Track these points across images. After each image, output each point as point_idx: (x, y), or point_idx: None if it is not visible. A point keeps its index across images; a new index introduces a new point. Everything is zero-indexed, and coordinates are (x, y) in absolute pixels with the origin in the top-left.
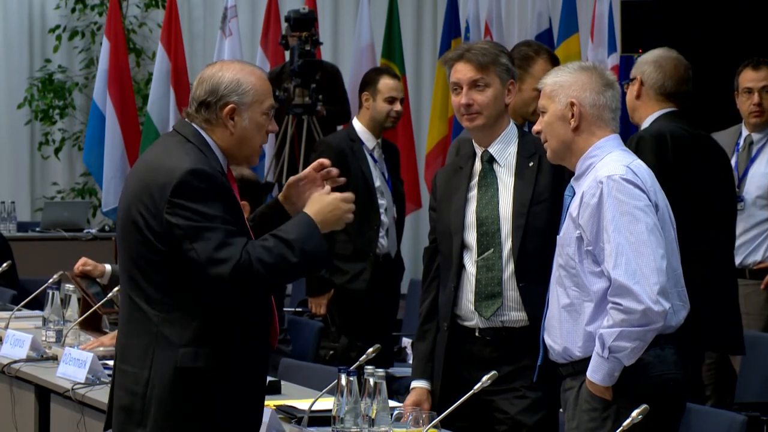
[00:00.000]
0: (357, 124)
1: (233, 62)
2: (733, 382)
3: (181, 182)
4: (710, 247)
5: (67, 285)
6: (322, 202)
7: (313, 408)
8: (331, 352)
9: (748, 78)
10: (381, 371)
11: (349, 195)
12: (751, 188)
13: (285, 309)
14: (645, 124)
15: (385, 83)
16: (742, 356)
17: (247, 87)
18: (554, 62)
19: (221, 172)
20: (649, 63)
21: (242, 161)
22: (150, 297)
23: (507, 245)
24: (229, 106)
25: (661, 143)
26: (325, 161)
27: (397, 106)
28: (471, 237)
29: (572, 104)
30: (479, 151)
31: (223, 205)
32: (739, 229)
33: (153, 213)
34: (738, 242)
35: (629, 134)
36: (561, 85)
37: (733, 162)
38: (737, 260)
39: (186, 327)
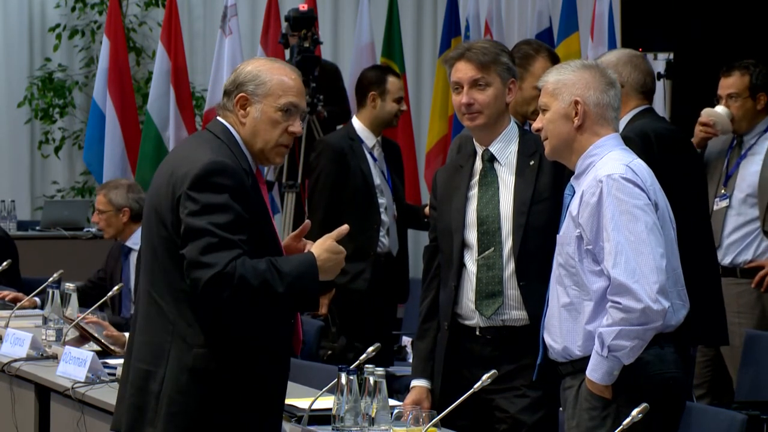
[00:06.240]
0: (356, 122)
1: (266, 59)
2: (727, 379)
3: (199, 174)
4: (693, 242)
5: (67, 284)
6: (332, 249)
7: (313, 407)
8: (329, 352)
9: (720, 85)
10: (381, 370)
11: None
12: (741, 186)
13: None
14: (621, 124)
15: (393, 83)
16: (743, 356)
17: (264, 79)
18: (554, 60)
19: (247, 171)
20: (625, 64)
21: (260, 157)
22: (169, 293)
23: (507, 244)
24: (240, 95)
25: (647, 143)
26: (346, 229)
27: (404, 106)
28: (471, 236)
29: (576, 102)
30: (480, 150)
31: (237, 202)
32: (729, 227)
33: (172, 205)
34: (728, 241)
35: None
36: (564, 83)
37: (725, 159)
38: (728, 259)
39: (201, 327)
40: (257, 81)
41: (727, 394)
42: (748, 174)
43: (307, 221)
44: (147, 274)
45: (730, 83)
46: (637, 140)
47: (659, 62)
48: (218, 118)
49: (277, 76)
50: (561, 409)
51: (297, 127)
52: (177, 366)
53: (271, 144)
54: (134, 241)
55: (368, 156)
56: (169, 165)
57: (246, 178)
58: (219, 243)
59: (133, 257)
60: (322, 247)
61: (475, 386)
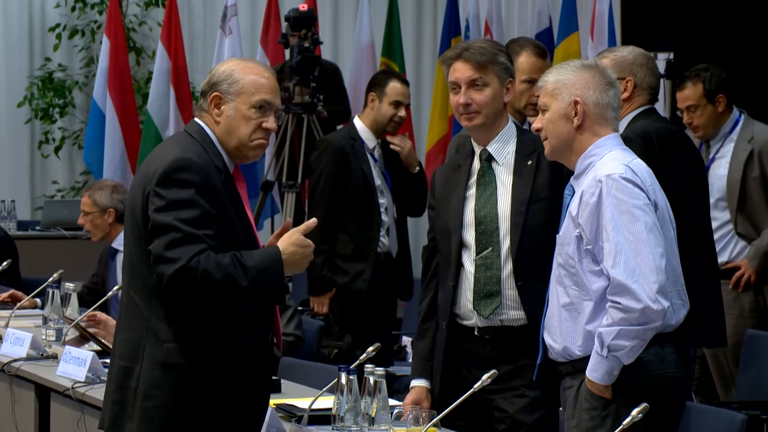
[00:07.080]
0: (358, 122)
1: (240, 60)
2: (710, 378)
3: (165, 171)
4: (693, 242)
5: (67, 284)
6: (298, 242)
7: (313, 407)
8: (336, 350)
9: (677, 99)
10: (381, 370)
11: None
12: (711, 191)
13: None
14: (623, 123)
15: (394, 86)
16: (743, 356)
17: (237, 78)
18: (539, 54)
19: (220, 168)
20: (639, 65)
21: (237, 155)
22: (143, 290)
23: (505, 244)
24: (214, 94)
25: (648, 142)
26: (313, 223)
27: (402, 112)
28: (469, 236)
29: (576, 102)
30: (478, 150)
31: (203, 198)
32: None
33: (143, 203)
34: None
35: None
36: (564, 84)
37: None
38: None
39: (172, 323)
40: (230, 80)
41: (713, 394)
42: (717, 178)
43: (288, 220)
44: (126, 273)
45: (685, 96)
46: (638, 140)
47: (659, 62)
48: (195, 118)
49: (250, 74)
50: (561, 409)
51: (271, 123)
52: (150, 361)
53: (245, 140)
54: (120, 242)
55: (369, 156)
56: (144, 166)
57: (217, 175)
58: (183, 238)
59: (120, 258)
60: (288, 240)
61: (475, 386)
